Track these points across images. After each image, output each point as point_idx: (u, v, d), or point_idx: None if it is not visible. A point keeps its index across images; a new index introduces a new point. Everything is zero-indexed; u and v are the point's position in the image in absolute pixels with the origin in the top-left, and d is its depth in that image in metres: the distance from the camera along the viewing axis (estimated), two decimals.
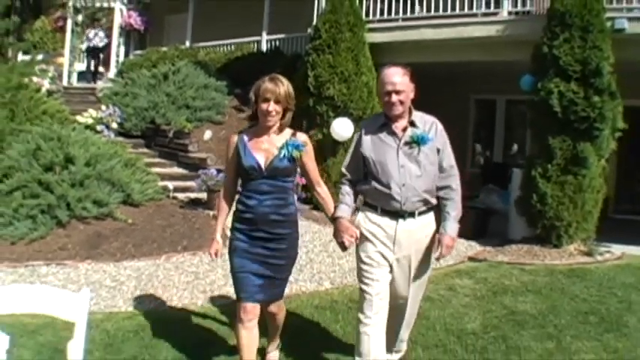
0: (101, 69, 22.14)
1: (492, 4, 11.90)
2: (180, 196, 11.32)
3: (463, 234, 9.65)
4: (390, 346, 5.07)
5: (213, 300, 7.05)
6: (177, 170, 13.15)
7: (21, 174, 9.81)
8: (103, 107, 14.67)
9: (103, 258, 8.45)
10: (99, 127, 13.76)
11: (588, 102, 9.21)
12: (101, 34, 21.77)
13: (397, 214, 4.70)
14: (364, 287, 4.72)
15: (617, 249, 9.75)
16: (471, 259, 9.29)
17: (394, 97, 4.64)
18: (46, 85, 16.57)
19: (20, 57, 18.64)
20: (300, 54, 14.02)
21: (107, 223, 9.56)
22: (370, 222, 4.78)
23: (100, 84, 19.17)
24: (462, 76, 14.25)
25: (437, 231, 4.80)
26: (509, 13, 11.68)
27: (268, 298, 4.81)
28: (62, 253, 8.63)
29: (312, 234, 9.60)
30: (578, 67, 9.27)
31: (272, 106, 4.61)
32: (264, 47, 17.41)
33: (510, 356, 5.55)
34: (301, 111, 11.09)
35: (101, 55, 22.13)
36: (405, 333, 5.17)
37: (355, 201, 4.91)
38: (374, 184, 4.74)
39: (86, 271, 7.92)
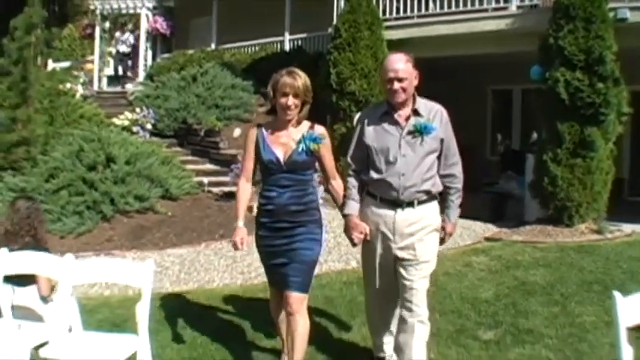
0: (129, 73, 22.86)
1: None
2: (215, 190, 12.07)
3: (481, 217, 10.44)
4: None
5: (251, 279, 7.76)
6: (209, 166, 13.88)
7: (66, 174, 10.61)
8: (138, 109, 15.45)
9: (147, 247, 9.21)
10: (135, 129, 14.57)
11: (593, 89, 9.73)
12: (131, 38, 22.50)
13: (395, 204, 4.63)
14: (369, 287, 4.94)
15: (629, 228, 10.15)
16: (487, 239, 9.85)
17: (396, 85, 4.54)
18: (80, 90, 17.39)
19: (51, 65, 19.38)
20: (322, 52, 14.64)
21: (149, 216, 10.36)
22: (371, 213, 4.73)
23: (129, 87, 19.92)
24: (478, 67, 14.67)
25: (437, 220, 4.78)
26: (518, 7, 12.13)
27: (290, 288, 4.68)
28: (109, 245, 9.41)
29: (339, 220, 10.16)
30: (582, 56, 9.79)
31: (291, 101, 4.61)
32: (287, 47, 17.96)
33: (518, 319, 6.19)
34: (325, 106, 11.88)
35: (129, 62, 22.85)
36: (417, 347, 4.71)
37: (361, 193, 4.85)
38: (374, 172, 4.67)
39: (132, 260, 8.64)
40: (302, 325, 4.63)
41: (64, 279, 4.52)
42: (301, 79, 4.65)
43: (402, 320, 4.73)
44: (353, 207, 4.78)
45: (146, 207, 10.48)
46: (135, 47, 22.70)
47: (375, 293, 4.90)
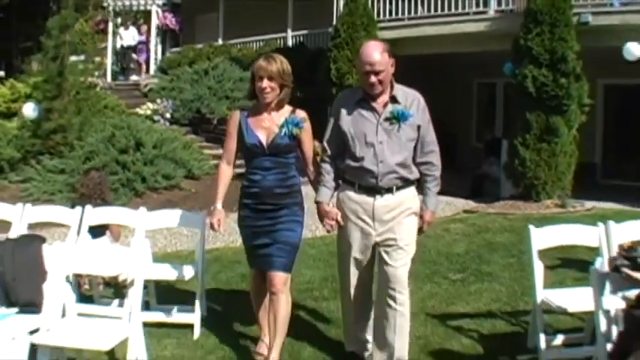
0: (132, 65, 24.00)
1: (481, 4, 13.85)
2: None
3: (462, 194, 12.04)
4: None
5: None
6: (222, 152, 15.37)
7: (101, 156, 12.25)
8: (158, 100, 17.04)
9: None
10: (156, 117, 16.18)
11: (556, 84, 11.31)
12: (135, 33, 23.75)
13: (374, 191, 4.58)
14: (344, 276, 4.80)
15: (591, 205, 11.69)
16: (465, 211, 11.48)
17: (373, 78, 4.47)
18: (100, 83, 18.92)
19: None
20: (323, 48, 16.16)
21: (175, 193, 12.04)
22: (349, 200, 4.68)
23: (134, 79, 21.32)
24: (466, 63, 16.03)
25: (416, 203, 4.75)
26: (496, 11, 13.66)
27: (274, 267, 4.83)
28: None
29: None
30: (547, 55, 11.36)
31: (265, 83, 4.69)
32: (289, 42, 19.33)
33: (481, 266, 7.86)
34: (326, 98, 13.50)
35: (134, 55, 23.94)
36: (399, 344, 4.67)
37: (336, 180, 4.82)
38: (351, 159, 4.63)
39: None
40: (284, 304, 4.83)
41: (139, 225, 6.13)
42: (277, 63, 4.73)
43: (383, 311, 4.70)
44: (325, 194, 4.79)
45: (173, 184, 12.18)
46: (140, 41, 23.87)
47: (353, 284, 4.79)
